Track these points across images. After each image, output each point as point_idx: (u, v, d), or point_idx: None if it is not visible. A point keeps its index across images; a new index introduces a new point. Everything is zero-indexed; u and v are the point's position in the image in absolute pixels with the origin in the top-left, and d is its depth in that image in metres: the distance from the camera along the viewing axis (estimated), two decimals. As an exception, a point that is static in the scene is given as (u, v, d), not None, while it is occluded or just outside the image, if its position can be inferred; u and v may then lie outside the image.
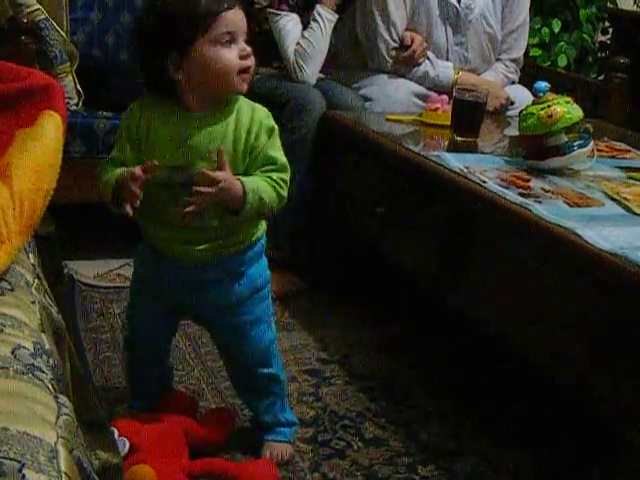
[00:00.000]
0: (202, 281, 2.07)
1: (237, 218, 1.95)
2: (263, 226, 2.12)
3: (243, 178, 1.94)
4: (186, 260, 2.03)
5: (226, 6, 1.88)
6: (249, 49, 1.91)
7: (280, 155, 2.01)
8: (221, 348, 2.26)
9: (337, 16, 3.35)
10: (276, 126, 2.01)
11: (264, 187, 1.96)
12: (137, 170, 1.88)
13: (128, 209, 1.89)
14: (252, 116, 1.98)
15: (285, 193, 2.00)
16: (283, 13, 3.34)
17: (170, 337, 2.29)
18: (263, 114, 2.00)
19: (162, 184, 1.93)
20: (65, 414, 1.09)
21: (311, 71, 3.31)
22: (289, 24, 3.34)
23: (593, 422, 2.31)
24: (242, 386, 2.26)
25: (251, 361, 2.17)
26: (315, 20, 3.31)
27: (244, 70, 1.91)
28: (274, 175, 1.98)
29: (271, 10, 3.37)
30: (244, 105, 1.99)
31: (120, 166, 1.97)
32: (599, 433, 2.32)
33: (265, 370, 2.18)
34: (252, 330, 2.13)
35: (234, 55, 1.89)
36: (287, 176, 2.02)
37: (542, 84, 2.53)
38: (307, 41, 3.30)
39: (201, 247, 2.01)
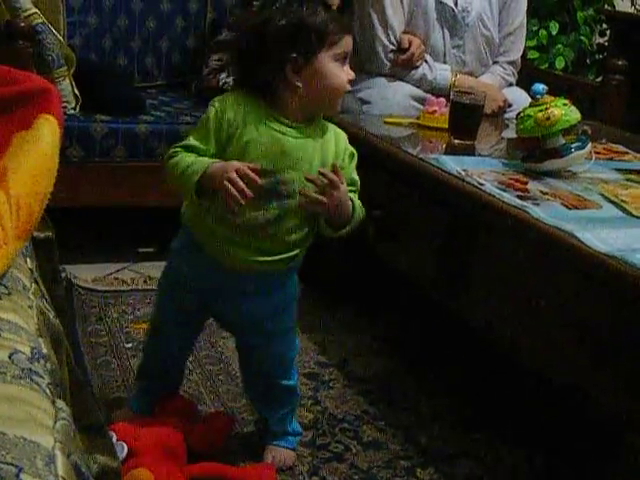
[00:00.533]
0: (245, 291, 2.07)
1: (336, 233, 2.02)
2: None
3: (350, 195, 1.99)
4: (243, 269, 2.02)
5: (348, 30, 1.99)
6: (353, 74, 2.00)
7: (358, 178, 2.07)
8: (246, 355, 2.24)
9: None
10: (355, 151, 2.08)
11: (360, 206, 2.03)
12: (252, 171, 1.88)
13: (235, 208, 1.89)
14: (337, 140, 2.05)
15: (363, 216, 2.06)
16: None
17: (194, 337, 2.32)
18: (345, 139, 2.07)
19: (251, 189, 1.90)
20: (62, 418, 1.09)
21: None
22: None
23: (592, 423, 2.31)
24: (259, 395, 2.26)
25: (274, 372, 2.18)
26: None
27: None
28: (355, 197, 2.03)
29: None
30: (329, 126, 2.05)
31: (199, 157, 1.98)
32: (598, 434, 2.32)
33: (285, 382, 2.20)
34: (281, 341, 2.16)
35: (345, 75, 1.97)
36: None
37: (539, 86, 2.53)
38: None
39: (266, 259, 2.02)
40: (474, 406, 2.58)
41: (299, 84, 1.93)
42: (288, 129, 1.96)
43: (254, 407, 2.32)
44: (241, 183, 1.85)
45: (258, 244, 1.99)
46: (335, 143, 2.03)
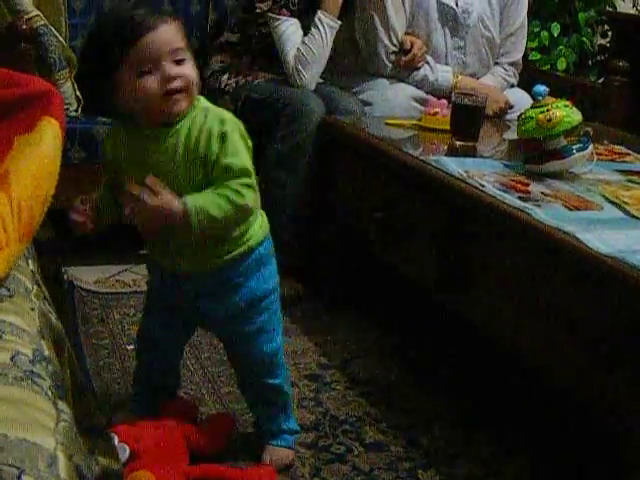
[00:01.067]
0: (198, 292, 2.07)
1: (191, 234, 1.92)
2: (258, 234, 2.08)
3: (187, 197, 1.89)
4: (176, 271, 2.05)
5: (144, 29, 1.85)
6: (175, 70, 1.87)
7: (237, 160, 1.92)
8: (229, 356, 2.28)
9: (339, 23, 3.33)
10: (229, 128, 1.92)
11: (212, 202, 1.90)
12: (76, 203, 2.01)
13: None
14: (201, 126, 1.92)
15: (248, 199, 1.93)
16: (283, 18, 3.34)
17: (180, 344, 2.30)
18: (214, 120, 1.93)
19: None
20: (64, 420, 1.09)
21: (310, 77, 3.31)
22: (289, 29, 3.34)
23: (594, 426, 2.31)
24: (247, 394, 2.26)
25: (255, 371, 2.17)
26: (316, 26, 3.30)
27: (172, 92, 1.87)
28: (233, 184, 1.91)
29: (271, 15, 3.36)
30: (199, 114, 1.94)
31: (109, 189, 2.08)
32: (599, 437, 2.32)
33: (269, 380, 2.17)
34: (254, 341, 2.12)
35: (155, 84, 1.86)
36: (249, 179, 1.93)
37: (541, 88, 2.53)
38: (307, 47, 3.30)
39: (186, 258, 2.02)
40: (476, 407, 2.58)
41: (119, 104, 1.92)
42: (145, 140, 1.95)
43: (248, 407, 2.31)
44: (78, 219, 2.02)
45: (173, 248, 2.02)
46: (199, 128, 1.92)
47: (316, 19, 3.30)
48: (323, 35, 3.31)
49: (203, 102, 1.98)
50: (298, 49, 3.30)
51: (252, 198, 1.95)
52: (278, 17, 3.34)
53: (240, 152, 1.93)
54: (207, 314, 2.12)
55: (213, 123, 1.92)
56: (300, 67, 3.30)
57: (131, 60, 1.84)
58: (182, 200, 1.88)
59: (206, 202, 1.89)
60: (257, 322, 2.11)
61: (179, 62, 1.87)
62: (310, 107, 3.16)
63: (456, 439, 2.41)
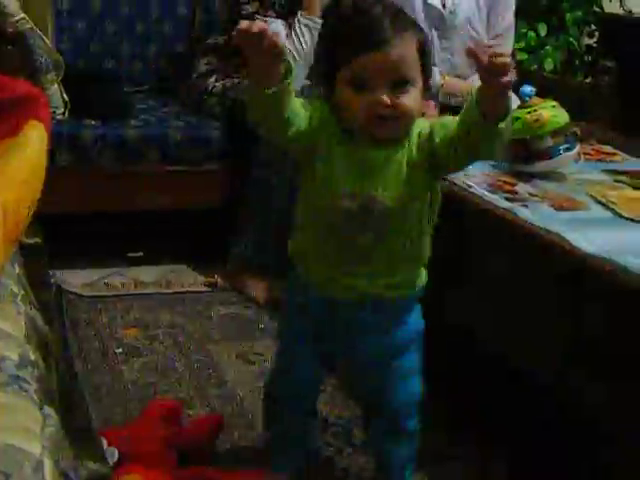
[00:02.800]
0: (360, 323, 1.89)
1: (496, 130, 1.65)
2: (424, 274, 1.94)
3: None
4: (346, 297, 1.86)
5: (379, 44, 1.68)
6: (392, 99, 1.70)
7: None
8: (368, 403, 2.07)
9: (320, 22, 3.33)
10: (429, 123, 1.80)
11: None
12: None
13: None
14: (416, 133, 1.78)
15: None
16: (270, 19, 3.35)
17: (318, 390, 2.13)
18: (420, 123, 1.79)
19: (342, 211, 1.78)
20: (50, 425, 1.09)
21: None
22: (276, 30, 3.33)
23: (581, 425, 2.31)
24: (383, 445, 2.06)
25: (400, 415, 1.99)
26: (297, 28, 3.31)
27: (380, 117, 1.71)
28: None
29: (258, 16, 3.36)
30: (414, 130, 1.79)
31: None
32: (591, 437, 2.32)
33: (411, 424, 2.02)
34: (409, 380, 1.97)
35: (365, 103, 1.70)
36: None
37: (528, 88, 2.54)
38: (288, 49, 3.31)
39: (364, 284, 1.84)
40: (467, 408, 2.58)
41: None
42: (371, 148, 1.77)
43: (374, 447, 2.13)
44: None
45: (352, 269, 1.83)
46: (417, 134, 1.78)
47: (296, 20, 3.31)
48: (301, 36, 3.31)
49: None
50: (281, 51, 3.31)
51: None
52: (264, 19, 3.35)
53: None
54: (363, 350, 1.93)
55: (420, 125, 1.79)
56: (282, 69, 3.30)
57: (352, 68, 1.70)
58: None
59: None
60: (414, 360, 1.97)
61: (400, 89, 1.71)
62: (296, 109, 3.16)
63: (446, 440, 2.41)
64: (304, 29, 3.31)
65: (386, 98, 1.69)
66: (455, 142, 1.72)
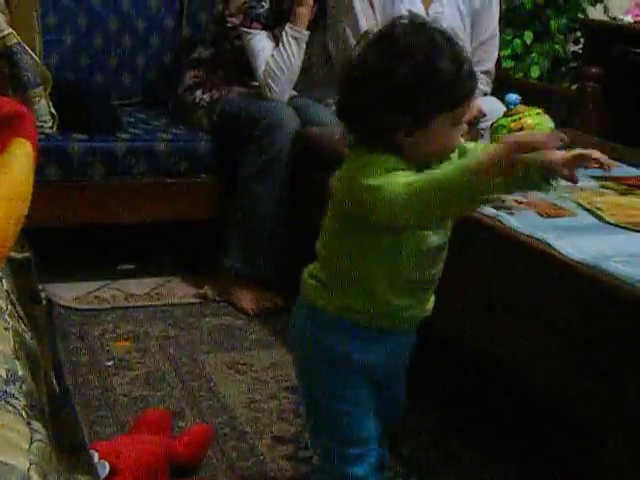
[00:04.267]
0: (407, 347, 1.87)
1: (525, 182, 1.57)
2: None
3: None
4: (412, 326, 1.83)
5: (475, 91, 1.70)
6: (465, 128, 1.76)
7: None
8: (387, 412, 1.91)
9: (308, 33, 3.36)
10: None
11: None
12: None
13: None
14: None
15: None
16: (255, 31, 3.36)
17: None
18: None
19: (431, 247, 1.73)
20: (38, 440, 1.09)
21: (281, 90, 3.33)
22: (261, 42, 3.35)
23: (573, 429, 2.32)
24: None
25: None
26: (284, 39, 3.32)
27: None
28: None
29: (243, 28, 3.38)
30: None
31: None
32: (582, 441, 2.33)
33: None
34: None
35: (458, 136, 1.71)
36: None
37: (513, 96, 2.55)
38: (275, 61, 3.32)
39: (421, 310, 1.81)
40: (457, 416, 2.59)
41: (408, 145, 1.65)
42: None
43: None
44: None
45: (425, 295, 1.81)
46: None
47: (283, 32, 3.33)
48: (292, 48, 3.33)
49: None
50: (267, 63, 3.32)
51: None
52: (249, 31, 3.36)
53: None
54: (403, 367, 1.92)
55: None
56: (269, 81, 3.32)
57: (457, 113, 1.64)
58: None
59: None
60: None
61: None
62: (284, 120, 3.18)
63: (437, 448, 2.42)
64: (292, 41, 3.33)
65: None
66: None
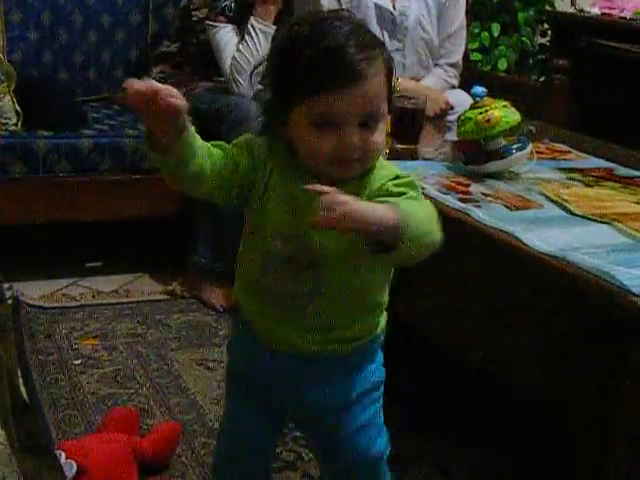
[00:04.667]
0: (308, 377, 1.65)
1: (394, 256, 1.43)
2: (383, 320, 1.73)
3: (385, 199, 1.46)
4: (292, 351, 1.62)
5: (348, 79, 1.44)
6: (358, 138, 1.47)
7: (406, 180, 1.57)
8: (324, 459, 1.80)
9: (273, 27, 3.34)
10: (411, 191, 1.54)
11: (411, 204, 1.48)
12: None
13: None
14: (379, 187, 1.54)
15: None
16: (221, 25, 3.34)
17: (271, 451, 1.86)
18: (388, 177, 1.57)
19: (275, 255, 1.57)
20: (-2, 442, 1.08)
21: (247, 84, 3.31)
22: (226, 36, 3.34)
23: (548, 424, 2.32)
24: None
25: (357, 474, 1.73)
26: (249, 33, 3.31)
27: (345, 160, 1.49)
28: (411, 193, 1.54)
29: (209, 22, 3.36)
30: (377, 172, 1.57)
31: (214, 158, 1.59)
32: (555, 436, 2.33)
33: None
34: (363, 435, 1.69)
35: (329, 145, 1.47)
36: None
37: (479, 89, 2.54)
38: (241, 54, 3.30)
39: (310, 337, 1.60)
40: (430, 410, 2.58)
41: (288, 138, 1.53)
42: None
43: None
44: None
45: (300, 321, 1.59)
46: (377, 189, 1.54)
47: (249, 26, 3.31)
48: (257, 41, 3.31)
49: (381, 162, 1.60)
50: (233, 57, 3.31)
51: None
52: (215, 24, 3.34)
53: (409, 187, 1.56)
54: (310, 404, 1.66)
55: (387, 184, 1.54)
56: (236, 75, 3.30)
57: (315, 105, 1.46)
58: (380, 201, 1.45)
59: (406, 203, 1.46)
60: (368, 414, 1.70)
61: (367, 127, 1.48)
62: (251, 114, 3.16)
63: (409, 441, 2.41)
64: (260, 34, 3.31)
65: (357, 140, 1.47)
66: None
